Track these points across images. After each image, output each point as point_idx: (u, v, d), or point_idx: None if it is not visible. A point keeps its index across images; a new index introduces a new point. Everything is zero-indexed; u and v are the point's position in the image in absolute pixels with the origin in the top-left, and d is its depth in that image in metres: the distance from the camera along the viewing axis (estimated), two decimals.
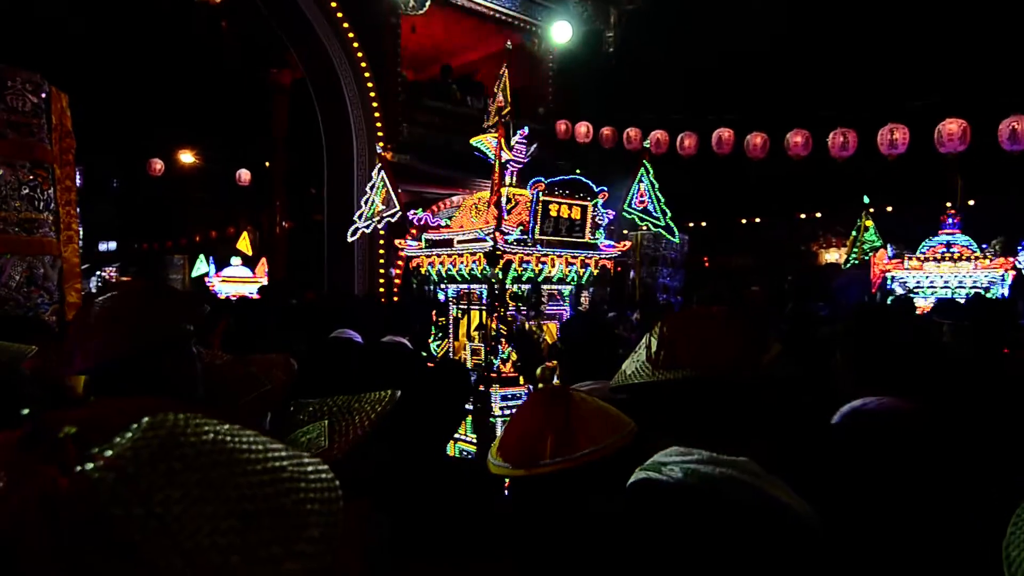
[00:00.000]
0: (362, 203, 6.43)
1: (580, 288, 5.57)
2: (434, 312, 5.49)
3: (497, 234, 4.82)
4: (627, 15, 15.69)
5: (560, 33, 14.81)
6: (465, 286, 5.31)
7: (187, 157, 20.37)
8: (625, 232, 12.75)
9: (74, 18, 16.20)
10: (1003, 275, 9.32)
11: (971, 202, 10.37)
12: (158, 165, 17.74)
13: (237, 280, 14.92)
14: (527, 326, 5.00)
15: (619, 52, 15.57)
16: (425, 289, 5.71)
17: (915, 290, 9.71)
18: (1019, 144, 9.18)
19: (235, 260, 15.28)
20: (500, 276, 4.93)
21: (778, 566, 0.91)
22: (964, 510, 1.08)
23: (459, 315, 5.29)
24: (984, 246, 9.60)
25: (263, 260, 15.62)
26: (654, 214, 6.42)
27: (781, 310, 7.08)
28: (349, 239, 6.63)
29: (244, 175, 18.39)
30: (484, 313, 5.07)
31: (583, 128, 14.56)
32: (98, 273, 18.92)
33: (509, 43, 7.01)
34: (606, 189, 5.81)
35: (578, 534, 1.09)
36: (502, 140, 5.45)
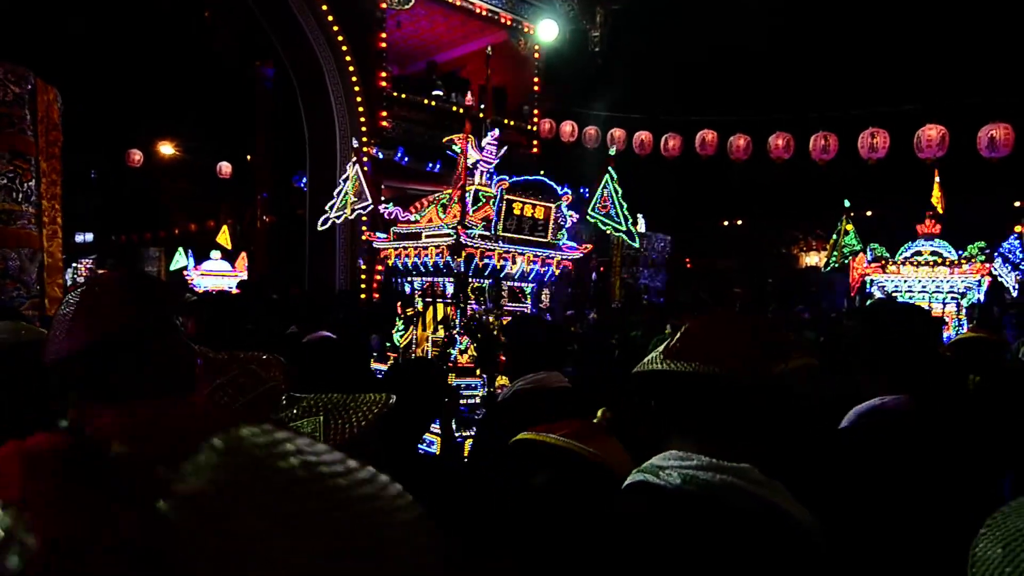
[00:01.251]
0: (334, 194, 6.65)
1: (541, 286, 5.81)
2: (399, 304, 5.69)
3: (460, 228, 5.04)
4: (612, 15, 15.72)
5: (546, 31, 14.80)
6: (430, 279, 5.52)
7: (167, 149, 20.11)
8: (609, 232, 12.79)
9: (55, 8, 15.94)
10: (979, 280, 9.46)
11: (949, 207, 10.52)
12: (137, 156, 17.49)
13: (216, 274, 14.77)
14: (487, 319, 5.20)
15: (605, 52, 15.60)
16: (392, 281, 5.89)
17: (893, 294, 9.83)
18: (997, 151, 9.32)
19: (215, 254, 15.12)
20: (463, 269, 5.16)
21: (771, 571, 0.90)
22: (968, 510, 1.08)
23: (424, 307, 5.51)
24: (960, 252, 9.74)
25: (243, 254, 15.48)
26: (616, 219, 6.69)
27: (764, 311, 7.15)
28: (319, 228, 6.87)
29: (225, 168, 18.20)
30: (446, 306, 5.32)
31: (568, 127, 14.59)
32: (74, 265, 18.63)
33: (490, 48, 7.03)
34: (569, 191, 6.00)
35: (573, 535, 1.07)
36: (470, 139, 5.56)
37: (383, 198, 13.40)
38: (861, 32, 15.63)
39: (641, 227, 13.14)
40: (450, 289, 5.31)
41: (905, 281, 9.85)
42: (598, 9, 15.61)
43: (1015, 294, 9.11)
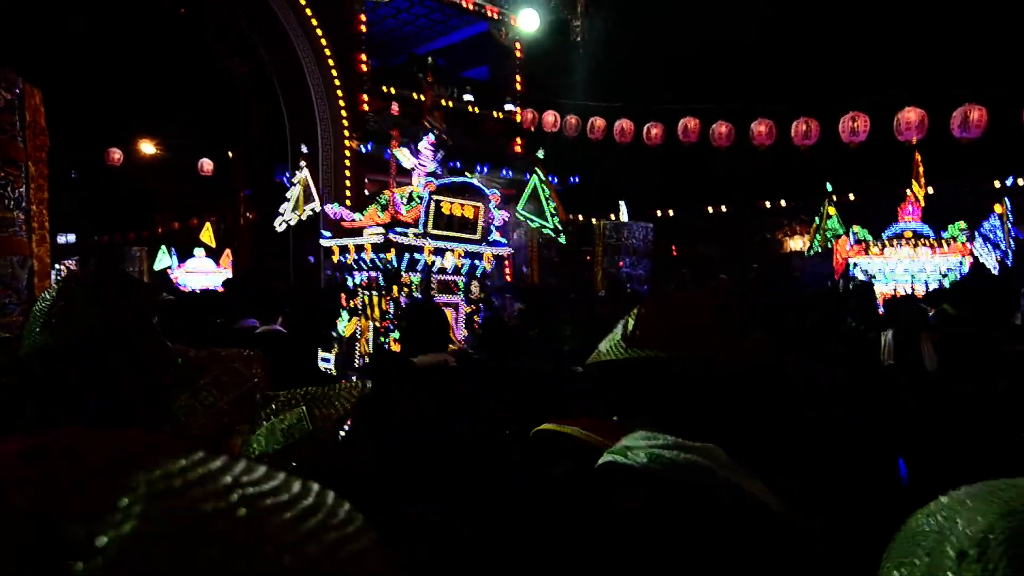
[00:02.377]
0: (286, 196, 7.15)
1: (471, 278, 6.30)
2: (344, 296, 6.14)
3: (388, 227, 5.68)
4: (594, 4, 15.68)
5: (528, 22, 14.76)
6: (370, 273, 6.02)
7: (148, 147, 19.90)
8: (594, 221, 12.80)
9: (32, 7, 15.71)
10: (960, 261, 9.55)
11: (930, 189, 10.61)
12: (116, 155, 17.31)
13: (201, 272, 14.65)
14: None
15: (587, 41, 15.56)
16: (336, 275, 6.45)
17: (876, 276, 9.91)
18: (969, 132, 9.39)
19: (198, 252, 14.99)
20: (394, 264, 5.70)
21: (735, 552, 0.91)
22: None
23: (366, 299, 5.97)
24: (943, 233, 9.83)
25: (227, 252, 15.36)
26: (544, 217, 7.27)
27: (747, 297, 7.20)
28: (277, 229, 7.38)
29: (207, 165, 18.03)
30: (379, 298, 5.86)
31: (550, 117, 14.56)
32: (57, 267, 18.44)
33: (429, 78, 7.86)
34: (498, 192, 6.53)
35: (545, 517, 1.08)
36: (397, 144, 6.42)
37: (367, 192, 13.39)
38: (842, 18, 15.68)
39: (623, 215, 13.16)
40: (383, 282, 5.85)
41: (887, 263, 9.93)
42: None
43: (995, 273, 9.20)
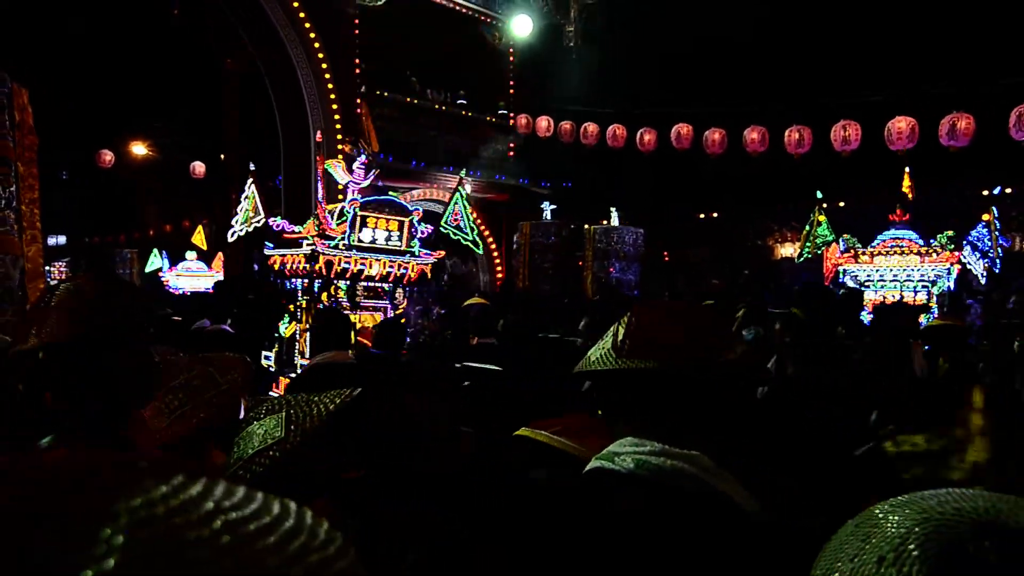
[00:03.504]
0: (238, 210, 7.74)
1: (396, 286, 7.08)
2: (284, 300, 6.76)
3: (317, 239, 6.34)
4: (587, 9, 15.75)
5: (520, 27, 14.81)
6: (304, 280, 6.66)
7: (139, 149, 19.82)
8: (586, 226, 12.83)
9: (22, 5, 15.64)
10: (949, 268, 9.63)
11: (913, 196, 10.70)
12: (108, 156, 17.24)
13: (192, 275, 14.60)
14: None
15: (579, 47, 15.63)
16: (277, 281, 7.11)
17: (866, 283, 9.98)
18: (957, 140, 9.47)
19: (190, 255, 14.96)
20: (324, 273, 6.43)
21: (718, 557, 0.92)
22: None
23: (302, 304, 6.58)
24: (932, 240, 9.91)
25: (219, 255, 15.32)
26: (464, 230, 8.03)
27: (737, 303, 7.23)
28: (229, 239, 7.87)
29: (199, 167, 17.98)
30: (310, 303, 6.51)
31: (544, 122, 14.60)
32: (47, 268, 18.32)
33: (362, 93, 8.05)
34: (420, 208, 7.45)
35: (536, 521, 1.09)
36: (322, 165, 7.03)
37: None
38: (833, 26, 15.80)
39: (615, 221, 13.20)
40: (317, 288, 6.55)
41: (877, 270, 10.00)
42: (572, 4, 15.64)
43: (983, 281, 9.28)
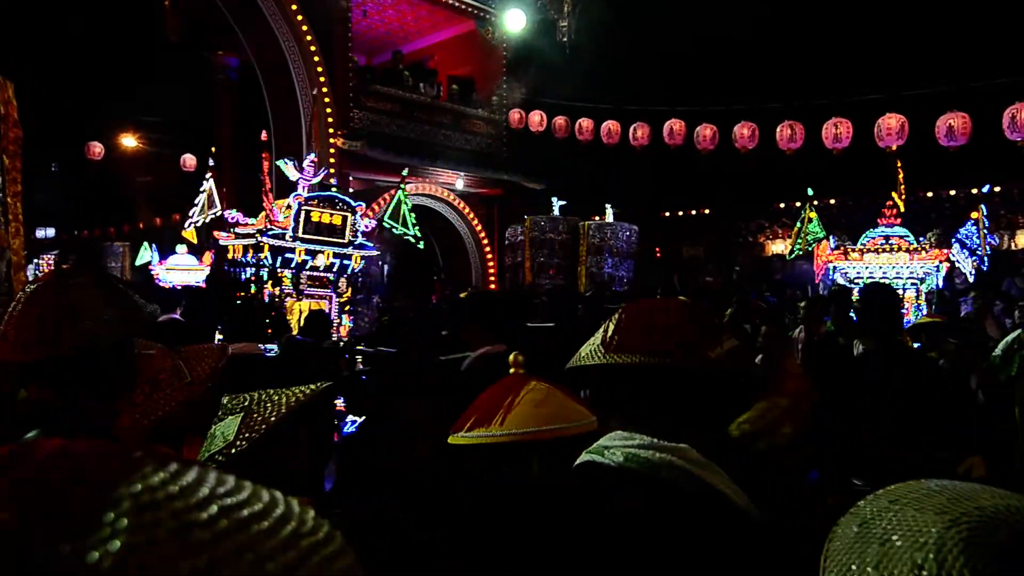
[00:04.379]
0: (195, 202, 8.42)
1: (340, 276, 7.68)
2: (238, 291, 7.32)
3: (262, 231, 7.00)
4: (581, 4, 15.73)
5: (514, 21, 14.78)
6: (254, 269, 7.20)
7: (129, 141, 19.70)
8: (570, 217, 12.84)
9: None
10: (938, 266, 9.69)
11: (904, 197, 10.76)
12: (97, 149, 17.14)
13: (183, 269, 14.52)
14: (282, 301, 7.13)
15: (573, 41, 15.61)
16: (232, 271, 7.61)
17: (856, 280, 10.03)
18: (955, 140, 9.53)
19: (180, 248, 14.86)
20: (270, 263, 7.02)
21: (707, 549, 0.93)
22: None
23: (252, 291, 7.16)
24: (921, 239, 9.97)
25: (210, 250, 15.23)
26: (405, 226, 8.79)
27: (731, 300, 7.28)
28: (185, 230, 8.94)
29: (189, 160, 17.89)
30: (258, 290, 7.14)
31: (537, 117, 14.59)
32: (36, 261, 18.19)
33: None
34: (363, 204, 8.23)
35: (525, 513, 1.10)
36: (268, 165, 7.93)
37: (351, 190, 13.35)
38: (826, 24, 15.84)
39: (609, 217, 13.22)
40: (266, 276, 7.15)
41: (867, 267, 10.05)
42: None
43: (971, 279, 9.35)
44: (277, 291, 7.18)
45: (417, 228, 8.90)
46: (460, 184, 14.83)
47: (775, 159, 12.01)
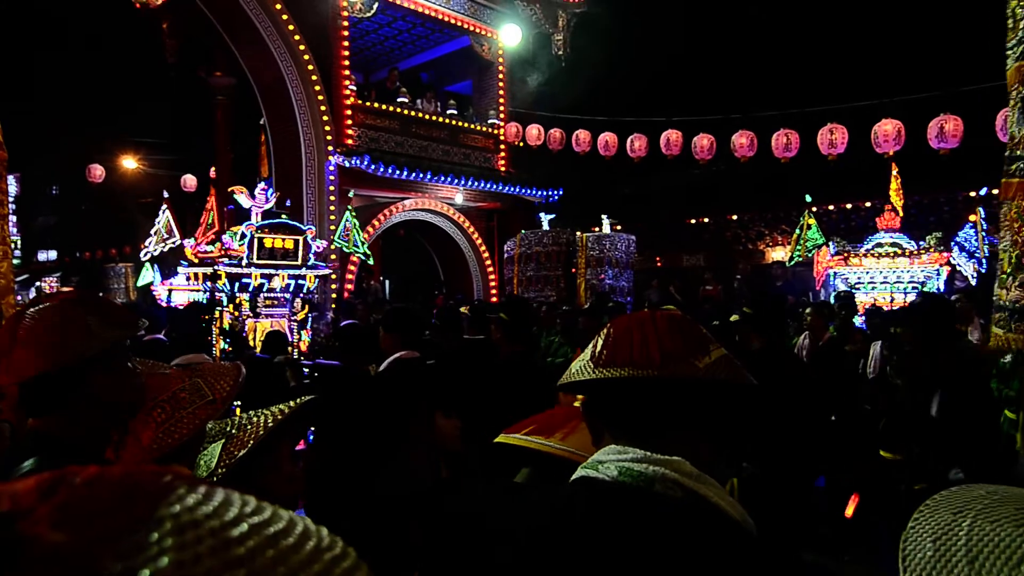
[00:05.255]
0: (151, 232, 9.04)
1: (295, 296, 8.27)
2: (203, 313, 7.74)
3: (217, 260, 7.69)
4: (575, 18, 15.84)
5: (509, 36, 14.88)
6: (215, 293, 7.86)
7: (129, 163, 19.80)
8: (578, 234, 12.86)
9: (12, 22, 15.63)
10: (938, 270, 9.70)
11: (902, 201, 10.78)
12: (98, 171, 17.21)
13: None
14: (241, 321, 7.88)
15: (568, 55, 15.71)
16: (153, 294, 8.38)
17: (856, 286, 10.04)
18: (946, 142, 9.55)
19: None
20: (228, 288, 7.68)
21: (703, 562, 0.94)
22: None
23: (216, 313, 7.73)
24: (920, 243, 9.98)
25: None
26: (356, 243, 9.61)
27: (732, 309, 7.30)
28: (142, 259, 9.53)
29: (190, 181, 17.97)
30: (220, 312, 7.73)
31: (534, 131, 14.65)
32: (37, 284, 18.24)
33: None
34: (314, 228, 8.76)
35: (523, 528, 1.11)
36: (243, 190, 8.31)
37: (349, 207, 13.40)
38: (820, 32, 15.93)
39: (605, 228, 13.26)
40: (226, 300, 7.77)
41: (867, 272, 10.06)
42: (560, 13, 15.73)
43: (973, 282, 9.35)
44: (236, 313, 7.89)
45: (366, 245, 9.72)
46: (459, 198, 14.87)
47: (772, 167, 12.04)
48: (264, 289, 8.01)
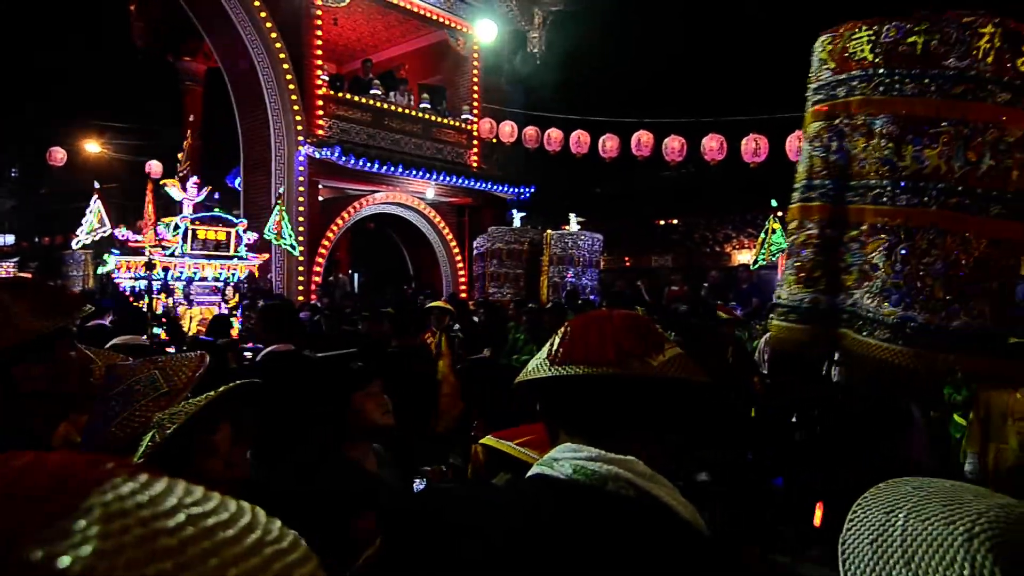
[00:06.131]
0: (82, 222, 9.13)
1: (227, 285, 8.77)
2: (132, 298, 8.25)
3: (151, 249, 8.13)
4: (552, 16, 15.86)
5: (485, 32, 14.85)
6: (147, 282, 8.04)
7: (93, 147, 19.33)
8: (547, 232, 12.90)
9: None
10: None
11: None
12: (59, 154, 16.78)
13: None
14: (176, 309, 8.23)
15: (543, 53, 15.72)
16: (117, 285, 8.84)
17: None
18: None
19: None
20: (162, 277, 8.17)
21: (653, 561, 0.95)
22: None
23: (149, 301, 7.84)
24: None
25: None
26: (284, 235, 9.82)
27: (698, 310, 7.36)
28: (73, 248, 9.91)
29: (155, 166, 17.60)
30: (152, 300, 7.85)
31: (507, 127, 14.64)
32: None
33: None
34: (245, 220, 9.29)
35: (475, 524, 1.11)
36: (175, 182, 8.95)
37: (321, 198, 13.23)
38: (787, 37, 16.14)
39: (573, 226, 13.31)
40: (157, 289, 8.06)
41: None
42: (536, 10, 15.73)
43: None
44: (170, 301, 8.31)
45: (294, 238, 10.11)
46: (431, 193, 14.81)
47: (740, 171, 12.20)
48: (197, 278, 8.55)
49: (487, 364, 5.68)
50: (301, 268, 12.77)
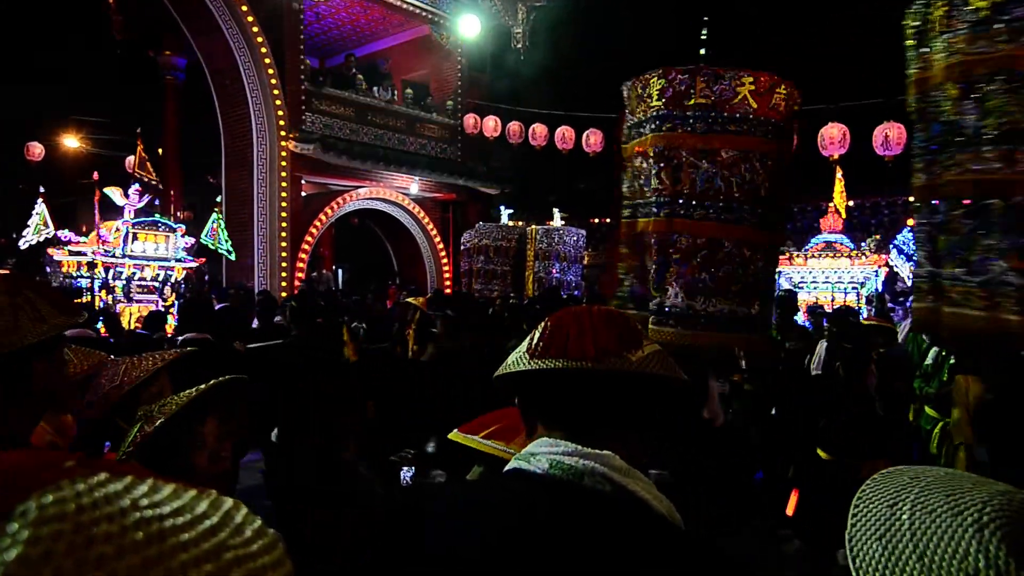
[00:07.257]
0: (28, 223, 9.79)
1: (164, 284, 9.52)
2: (73, 297, 8.47)
3: (95, 251, 8.85)
4: (535, 11, 15.83)
5: (468, 27, 14.80)
6: (89, 280, 8.96)
7: (71, 142, 19.07)
8: (531, 227, 12.90)
9: None
10: (877, 271, 10.04)
11: (851, 202, 11.10)
12: (37, 149, 16.54)
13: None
14: (115, 306, 8.72)
15: (527, 48, 15.70)
16: (64, 282, 9.13)
17: (799, 284, 10.33)
18: (891, 149, 9.87)
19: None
20: (103, 275, 8.86)
21: (630, 556, 0.96)
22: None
23: (91, 299, 8.74)
24: (862, 244, 10.31)
25: None
26: (221, 241, 10.35)
27: None
28: (20, 247, 10.44)
29: (133, 162, 17.38)
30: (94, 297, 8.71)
31: (491, 122, 14.62)
32: None
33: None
34: (184, 225, 10.13)
35: (454, 519, 1.12)
36: (118, 189, 9.50)
37: (304, 193, 13.15)
38: (768, 35, 16.25)
39: (557, 221, 13.31)
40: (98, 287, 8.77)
41: (810, 272, 10.36)
42: (520, 6, 15.70)
43: (909, 284, 9.71)
44: (110, 299, 8.87)
45: (230, 243, 10.68)
46: (415, 188, 14.77)
47: None
48: (136, 278, 9.24)
49: (385, 355, 5.90)
50: (284, 264, 12.70)
